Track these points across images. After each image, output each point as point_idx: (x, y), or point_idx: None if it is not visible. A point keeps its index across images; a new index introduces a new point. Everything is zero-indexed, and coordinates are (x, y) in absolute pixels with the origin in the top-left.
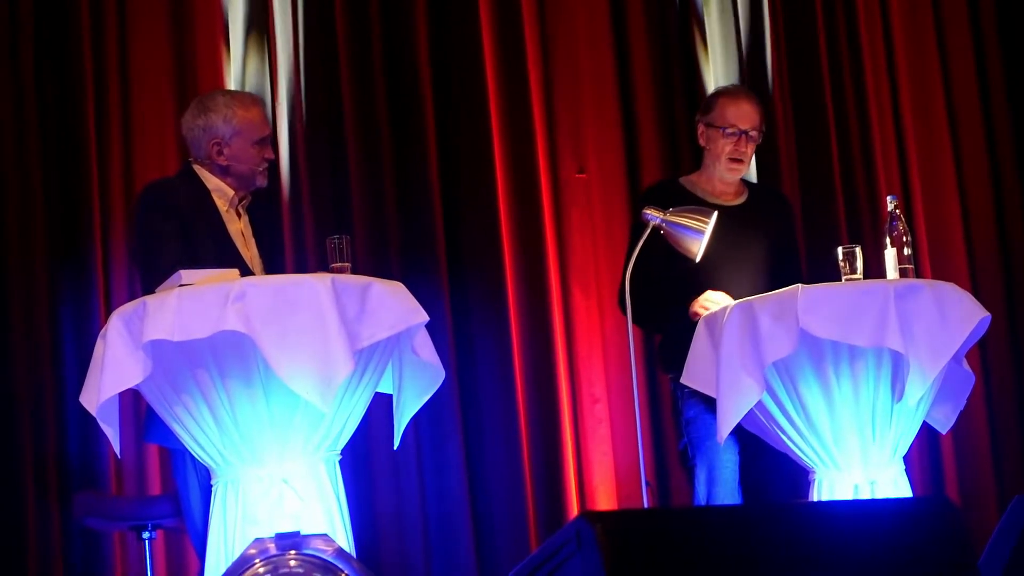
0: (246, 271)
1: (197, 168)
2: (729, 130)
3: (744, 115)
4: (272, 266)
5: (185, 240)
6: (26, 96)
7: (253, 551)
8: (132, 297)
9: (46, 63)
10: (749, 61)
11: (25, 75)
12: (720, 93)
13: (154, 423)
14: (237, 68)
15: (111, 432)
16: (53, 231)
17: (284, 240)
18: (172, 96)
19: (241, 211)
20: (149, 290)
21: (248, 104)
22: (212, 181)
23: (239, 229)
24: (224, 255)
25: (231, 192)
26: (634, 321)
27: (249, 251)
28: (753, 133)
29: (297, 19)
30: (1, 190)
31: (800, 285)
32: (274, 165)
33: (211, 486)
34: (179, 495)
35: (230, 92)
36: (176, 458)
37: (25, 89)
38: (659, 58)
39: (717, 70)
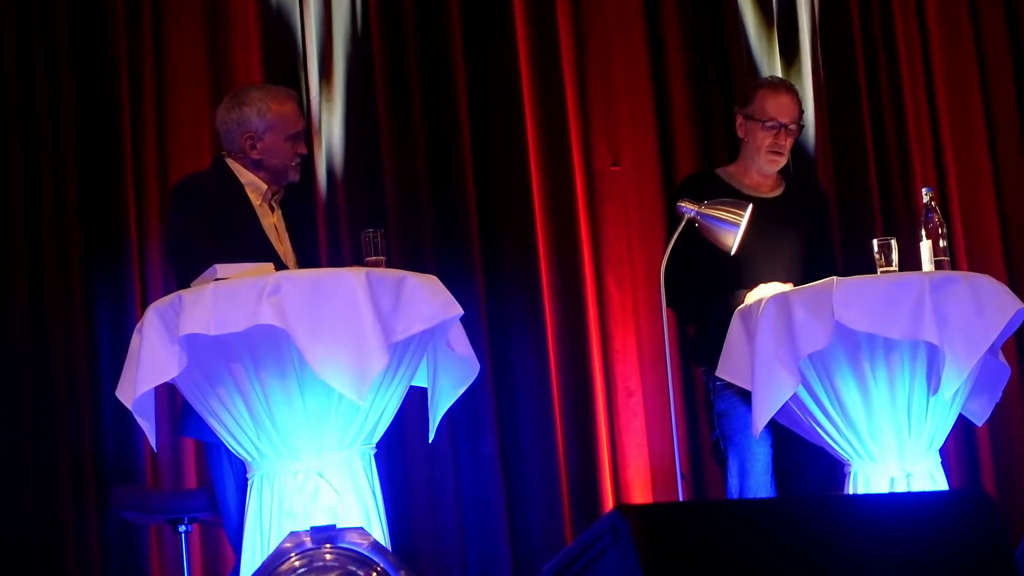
0: (280, 265)
1: (230, 162)
2: (768, 123)
3: (784, 108)
4: (305, 260)
5: (218, 234)
6: (61, 90)
7: (289, 544)
8: (167, 291)
9: (81, 56)
10: (784, 52)
11: (61, 69)
12: (760, 85)
13: (190, 417)
14: (270, 60)
15: (147, 426)
16: (88, 225)
17: (319, 234)
18: (207, 89)
19: (274, 205)
20: (183, 284)
21: (282, 99)
22: (245, 175)
23: (272, 223)
24: (258, 249)
25: (264, 186)
26: (675, 312)
27: (283, 245)
28: (792, 126)
29: (356, 10)
30: (36, 185)
31: (835, 278)
32: (309, 159)
33: (247, 480)
34: (214, 489)
35: (265, 86)
36: (211, 452)
37: (61, 83)
38: (693, 49)
39: (752, 61)
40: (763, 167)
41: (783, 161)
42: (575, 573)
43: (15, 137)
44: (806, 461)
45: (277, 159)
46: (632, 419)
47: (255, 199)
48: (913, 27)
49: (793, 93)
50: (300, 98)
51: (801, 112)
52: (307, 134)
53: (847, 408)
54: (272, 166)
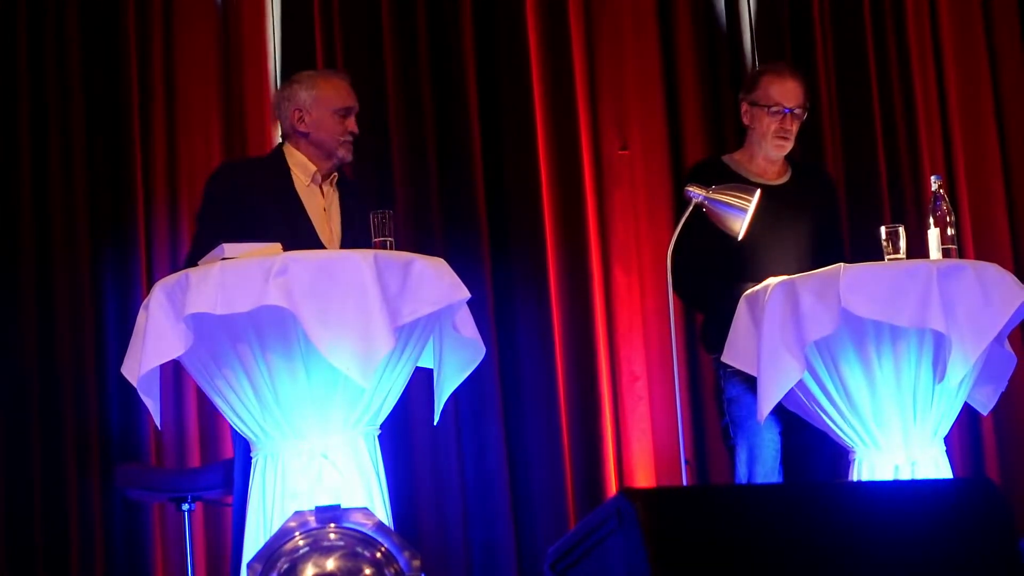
0: (318, 246)
1: (286, 147)
2: (774, 108)
3: (789, 93)
4: (354, 246)
5: (246, 213)
6: (71, 77)
7: (293, 524)
8: (174, 269)
9: (91, 39)
10: (793, 38)
11: (71, 49)
12: (764, 71)
13: None
14: (280, 47)
15: (152, 404)
16: (96, 202)
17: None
18: (216, 71)
19: (328, 188)
20: (191, 263)
21: (330, 75)
22: (296, 156)
23: (320, 205)
24: (295, 230)
25: (312, 167)
26: (681, 298)
27: (330, 227)
28: (798, 111)
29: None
30: (45, 162)
31: (842, 264)
32: None
33: (251, 458)
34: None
35: (317, 70)
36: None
37: (70, 72)
38: (703, 34)
39: (761, 47)
40: (769, 152)
41: (789, 146)
42: (580, 556)
43: (23, 121)
44: (812, 448)
45: (325, 132)
46: (637, 403)
47: (303, 180)
48: (924, 15)
49: (798, 77)
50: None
51: (807, 96)
52: None
53: (852, 395)
54: (320, 140)
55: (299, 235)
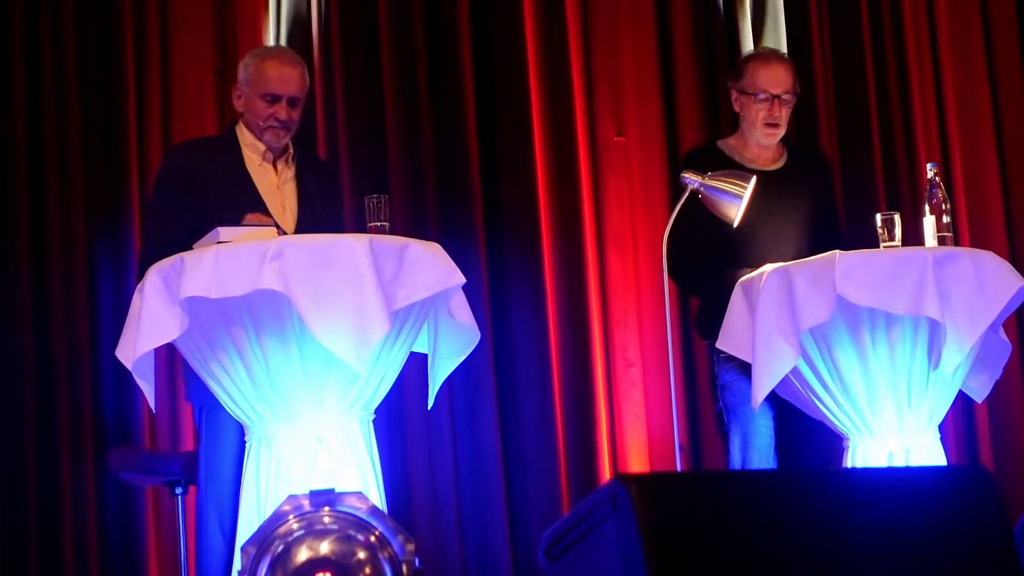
0: (273, 221)
1: (238, 125)
2: (761, 95)
3: (776, 79)
4: (313, 223)
5: (198, 195)
6: (66, 49)
7: (287, 507)
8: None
9: (87, 29)
10: (790, 25)
11: (67, 41)
12: (750, 58)
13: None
14: (276, 38)
15: (146, 387)
16: (91, 186)
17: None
18: (212, 49)
19: (283, 165)
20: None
21: (267, 57)
22: (246, 136)
23: (273, 183)
24: (247, 207)
25: (263, 147)
26: (677, 284)
27: (283, 204)
28: (786, 96)
29: None
30: (41, 147)
31: (838, 251)
32: (312, 125)
33: (244, 442)
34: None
35: (269, 47)
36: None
37: (65, 41)
38: (700, 21)
39: (757, 33)
40: (761, 140)
41: (780, 132)
42: (574, 541)
43: (20, 108)
44: (806, 435)
45: (252, 115)
46: (631, 390)
47: (254, 158)
48: (920, 2)
49: (785, 63)
50: (302, 67)
51: (795, 81)
52: (310, 101)
53: (847, 382)
54: (250, 122)
55: (244, 207)
